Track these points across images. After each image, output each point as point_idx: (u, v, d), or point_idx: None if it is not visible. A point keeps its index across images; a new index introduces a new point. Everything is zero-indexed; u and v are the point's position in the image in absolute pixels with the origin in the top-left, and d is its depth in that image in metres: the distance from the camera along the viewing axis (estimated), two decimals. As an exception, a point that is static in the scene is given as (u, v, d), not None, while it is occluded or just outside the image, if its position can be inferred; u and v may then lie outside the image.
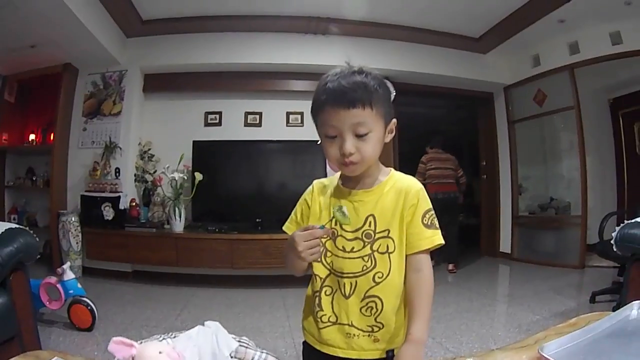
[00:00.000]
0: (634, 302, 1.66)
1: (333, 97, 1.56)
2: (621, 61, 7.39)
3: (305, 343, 1.85)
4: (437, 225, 1.73)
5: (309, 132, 7.47)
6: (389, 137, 1.71)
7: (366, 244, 1.70)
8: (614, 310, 4.49)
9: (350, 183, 1.76)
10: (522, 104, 9.01)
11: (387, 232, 1.69)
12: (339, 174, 1.83)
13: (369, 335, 1.72)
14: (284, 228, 1.90)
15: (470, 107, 10.53)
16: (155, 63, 7.62)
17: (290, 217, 1.93)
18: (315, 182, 1.93)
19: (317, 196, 1.85)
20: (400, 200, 1.70)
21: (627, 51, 7.15)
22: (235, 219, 7.33)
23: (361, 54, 7.58)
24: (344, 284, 1.72)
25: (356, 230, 1.71)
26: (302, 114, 7.98)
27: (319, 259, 1.73)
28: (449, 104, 11.22)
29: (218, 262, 6.83)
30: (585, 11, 6.87)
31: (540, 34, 7.78)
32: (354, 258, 1.71)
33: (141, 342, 1.06)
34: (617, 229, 3.92)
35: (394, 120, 1.72)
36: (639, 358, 1.31)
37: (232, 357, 1.25)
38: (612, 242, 3.95)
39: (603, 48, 7.39)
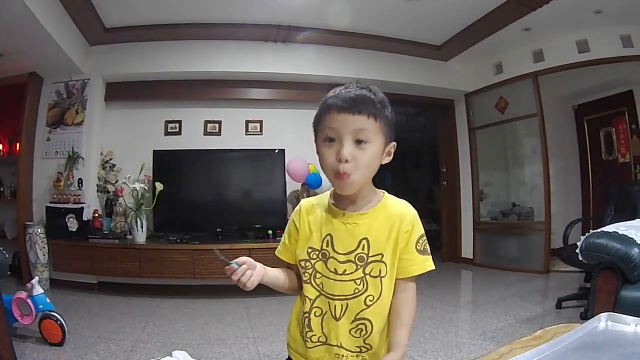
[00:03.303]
0: (602, 314, 1.64)
1: (340, 102, 1.57)
2: (588, 69, 7.49)
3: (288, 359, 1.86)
4: (429, 251, 1.76)
5: (268, 140, 7.60)
6: (386, 160, 1.71)
7: (359, 267, 1.70)
8: (581, 317, 4.56)
9: (343, 204, 1.75)
10: (484, 111, 9.08)
11: (380, 256, 1.70)
12: (328, 193, 1.83)
13: (357, 356, 1.74)
14: (276, 253, 1.92)
15: (431, 114, 10.66)
16: (117, 72, 7.57)
17: (281, 242, 1.93)
18: (303, 201, 1.92)
19: (306, 216, 1.84)
20: (396, 226, 1.71)
21: (595, 59, 7.28)
22: (197, 228, 7.33)
23: (322, 62, 7.76)
24: (335, 306, 1.72)
25: (349, 253, 1.70)
26: (261, 122, 8.01)
27: (252, 286, 1.76)
28: (409, 111, 11.29)
29: (180, 272, 6.82)
30: (553, 20, 6.95)
31: (504, 42, 7.87)
32: (346, 281, 1.71)
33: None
34: (583, 238, 3.93)
35: (394, 143, 1.72)
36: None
37: None
38: (577, 251, 3.96)
39: (569, 56, 7.50)
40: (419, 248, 1.72)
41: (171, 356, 1.23)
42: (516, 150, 8.93)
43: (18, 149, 7.34)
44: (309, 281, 1.77)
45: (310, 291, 1.76)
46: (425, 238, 1.76)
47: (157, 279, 6.96)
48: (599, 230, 3.89)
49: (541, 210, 8.14)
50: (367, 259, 1.69)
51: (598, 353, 1.43)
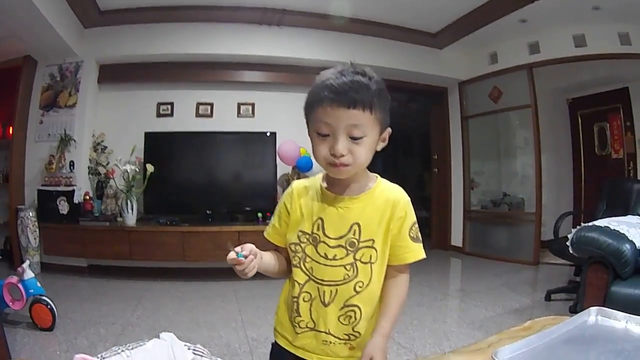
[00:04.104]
0: (591, 308, 1.65)
1: (334, 93, 1.47)
2: (584, 63, 7.50)
3: (275, 344, 1.83)
4: (421, 238, 1.74)
5: (259, 123, 7.59)
6: (380, 146, 1.66)
7: (349, 252, 1.66)
8: (570, 310, 4.56)
9: (336, 187, 1.70)
10: (477, 100, 9.09)
11: (371, 242, 1.66)
12: (320, 175, 1.78)
13: (345, 343, 1.72)
14: (265, 235, 1.86)
15: (423, 100, 10.64)
16: (111, 54, 7.53)
17: (270, 223, 1.87)
18: (295, 183, 1.86)
19: (297, 199, 1.78)
20: (388, 211, 1.67)
21: (591, 54, 7.25)
22: (186, 210, 7.34)
23: (316, 46, 7.74)
24: (324, 291, 1.69)
25: (340, 238, 1.66)
26: (253, 105, 7.99)
27: (252, 274, 1.64)
28: (401, 97, 11.21)
29: (170, 254, 6.85)
30: (550, 13, 6.94)
31: (500, 32, 7.84)
32: (335, 266, 1.67)
33: (102, 357, 1.03)
34: (574, 231, 3.94)
35: (389, 129, 1.65)
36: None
37: None
38: (568, 243, 3.96)
39: (565, 49, 7.48)
40: (412, 235, 1.69)
41: (158, 338, 1.22)
42: (508, 140, 8.93)
43: (11, 132, 7.32)
44: (298, 265, 1.73)
45: (299, 275, 1.73)
46: (417, 225, 1.73)
47: (147, 261, 6.97)
48: (590, 224, 3.91)
49: (532, 201, 8.17)
50: (358, 244, 1.66)
51: (587, 347, 1.44)
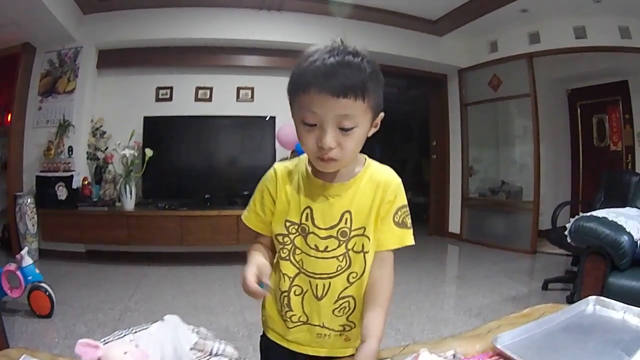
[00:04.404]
0: (589, 297, 1.64)
1: (322, 79, 1.31)
2: (584, 54, 7.51)
3: (265, 338, 1.76)
4: (409, 224, 1.63)
5: (259, 107, 7.57)
6: (372, 131, 1.51)
7: (341, 242, 1.56)
8: (567, 300, 4.59)
9: (323, 174, 1.54)
10: (476, 88, 9.10)
11: (363, 229, 1.56)
12: (304, 157, 1.63)
13: (340, 334, 1.66)
14: (243, 219, 1.72)
15: (423, 87, 10.60)
16: (110, 39, 7.51)
17: (249, 207, 1.72)
18: (278, 167, 1.69)
19: (282, 185, 1.64)
20: (378, 195, 1.57)
21: (591, 46, 7.25)
22: (185, 195, 7.35)
23: (315, 31, 7.66)
24: (316, 285, 1.60)
25: (331, 228, 1.56)
26: (252, 89, 7.97)
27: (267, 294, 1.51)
28: (401, 83, 11.21)
29: (168, 239, 6.87)
30: (551, 4, 6.99)
31: (500, 21, 7.82)
32: (328, 258, 1.58)
33: (104, 342, 1.04)
34: (572, 220, 3.95)
35: (382, 114, 1.50)
36: (598, 356, 1.29)
37: (192, 350, 1.23)
38: (566, 233, 3.97)
39: (565, 41, 7.48)
40: (396, 220, 1.58)
41: (162, 320, 1.22)
42: (507, 128, 8.96)
43: (9, 119, 7.30)
44: (287, 257, 1.62)
45: (288, 268, 1.63)
46: (406, 209, 1.63)
47: (145, 246, 7.01)
48: (588, 214, 3.92)
49: (530, 189, 8.19)
50: (350, 233, 1.56)
51: (586, 336, 1.44)
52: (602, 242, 3.64)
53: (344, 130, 1.36)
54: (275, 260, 1.70)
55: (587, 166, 9.05)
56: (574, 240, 3.91)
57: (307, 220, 1.58)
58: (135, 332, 1.13)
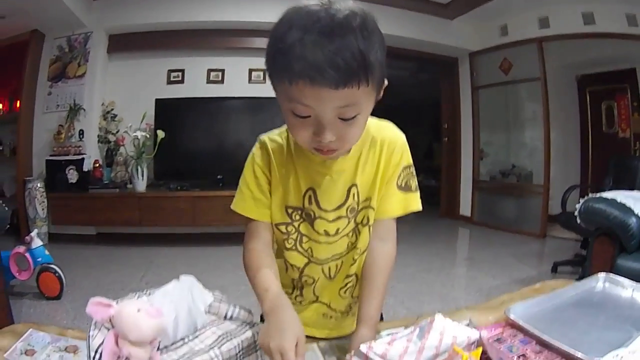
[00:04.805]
0: (599, 273, 1.64)
1: (313, 70, 1.03)
2: (593, 41, 7.46)
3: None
4: (414, 187, 1.47)
5: (271, 89, 7.53)
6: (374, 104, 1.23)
7: (350, 219, 1.43)
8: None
9: None
10: (487, 71, 9.07)
11: (368, 201, 1.42)
12: None
13: (346, 314, 1.61)
14: (238, 210, 1.48)
15: (433, 70, 10.55)
16: (120, 23, 7.51)
17: (240, 194, 1.48)
18: (267, 141, 1.47)
19: (276, 162, 1.43)
20: (383, 158, 1.40)
21: (598, 32, 7.21)
22: (197, 176, 7.34)
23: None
24: (329, 267, 1.50)
25: (338, 208, 1.41)
26: (264, 71, 7.82)
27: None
28: (411, 66, 11.16)
29: (180, 220, 6.90)
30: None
31: (510, 5, 7.82)
32: (339, 240, 1.45)
33: (117, 302, 1.05)
34: (582, 200, 3.95)
35: (386, 81, 1.23)
36: (607, 331, 1.30)
37: (206, 312, 1.24)
38: (575, 214, 3.98)
39: (574, 26, 7.44)
40: (399, 183, 1.43)
41: (178, 280, 1.23)
42: (518, 112, 8.93)
43: (18, 105, 7.32)
44: (294, 248, 1.48)
45: (296, 259, 1.49)
46: (411, 170, 1.47)
47: (157, 227, 7.06)
48: (597, 195, 3.91)
49: (540, 173, 8.20)
50: (358, 208, 1.43)
51: (596, 311, 1.45)
52: (611, 224, 3.64)
53: (344, 120, 1.14)
54: (277, 249, 1.56)
55: (596, 152, 9.00)
56: (583, 221, 3.92)
57: (310, 204, 1.41)
58: (150, 294, 1.14)
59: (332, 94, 1.05)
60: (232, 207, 1.48)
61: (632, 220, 3.59)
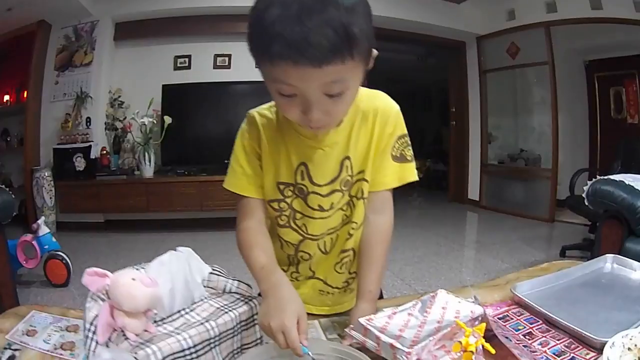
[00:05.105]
0: (607, 254, 1.63)
1: (293, 50, 0.98)
2: (601, 26, 7.38)
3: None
4: (410, 156, 1.44)
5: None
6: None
7: (345, 192, 1.41)
8: (586, 266, 4.50)
9: None
10: (495, 55, 9.03)
11: (362, 173, 1.40)
12: None
13: (344, 290, 1.60)
14: (230, 188, 1.45)
15: (441, 54, 10.54)
16: (126, 11, 7.50)
17: (232, 171, 1.45)
18: (256, 115, 1.46)
19: (265, 136, 1.41)
20: (377, 128, 1.38)
21: (606, 17, 7.13)
22: (204, 161, 7.31)
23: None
24: (324, 242, 1.48)
25: (332, 182, 1.39)
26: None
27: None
28: (419, 51, 11.16)
29: (188, 205, 6.95)
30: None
31: (518, -11, 7.71)
32: (333, 215, 1.44)
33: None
34: (590, 183, 3.93)
35: (375, 52, 1.16)
36: (616, 311, 1.29)
37: (204, 286, 1.22)
38: (583, 195, 3.96)
39: (581, 11, 7.37)
40: (394, 153, 1.40)
41: (175, 250, 1.22)
42: (526, 96, 8.88)
43: (25, 96, 7.34)
44: (287, 224, 1.46)
45: (290, 235, 1.48)
46: (406, 140, 1.43)
47: (164, 213, 7.10)
48: (605, 177, 3.89)
49: (548, 158, 8.17)
50: (352, 180, 1.41)
51: (604, 292, 1.44)
52: (619, 206, 3.61)
53: (332, 96, 1.10)
54: (270, 225, 1.53)
55: (604, 137, 8.96)
56: (592, 204, 3.89)
57: (303, 179, 1.39)
58: (143, 267, 1.14)
59: (316, 72, 1.01)
60: (224, 185, 1.46)
61: (641, 203, 3.57)
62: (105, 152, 7.23)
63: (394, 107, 1.41)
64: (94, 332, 0.98)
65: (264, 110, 1.45)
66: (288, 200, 1.42)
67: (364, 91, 1.35)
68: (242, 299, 1.20)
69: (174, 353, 0.96)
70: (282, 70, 1.03)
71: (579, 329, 1.14)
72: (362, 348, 1.11)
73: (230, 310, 1.11)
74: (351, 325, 1.17)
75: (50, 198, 6.96)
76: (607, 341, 1.02)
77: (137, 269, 1.12)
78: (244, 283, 1.24)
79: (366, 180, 1.40)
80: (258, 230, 1.41)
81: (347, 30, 0.99)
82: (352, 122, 1.36)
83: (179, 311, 1.11)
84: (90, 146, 7.08)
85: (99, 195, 6.98)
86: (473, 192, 9.59)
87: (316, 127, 1.18)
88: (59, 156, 7.11)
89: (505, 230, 7.39)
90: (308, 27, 0.96)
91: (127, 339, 0.97)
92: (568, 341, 1.17)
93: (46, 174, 6.92)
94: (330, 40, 0.97)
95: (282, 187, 1.41)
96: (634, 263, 1.56)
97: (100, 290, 1.02)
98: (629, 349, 1.01)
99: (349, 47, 1.01)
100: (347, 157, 1.37)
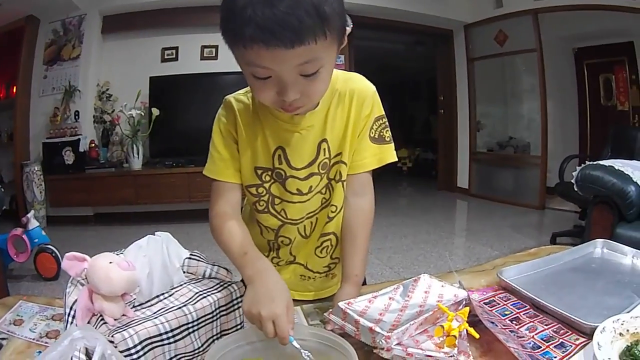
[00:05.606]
0: (597, 239, 1.63)
1: (266, 32, 0.98)
2: (589, 13, 7.38)
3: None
4: (388, 137, 1.44)
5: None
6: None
7: (323, 175, 1.41)
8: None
9: None
10: (482, 43, 9.04)
11: (340, 155, 1.40)
12: None
13: (326, 275, 1.60)
14: (209, 175, 1.45)
15: (429, 43, 10.55)
16: (113, 4, 7.48)
17: (211, 157, 1.46)
18: (232, 100, 1.43)
19: (242, 121, 1.39)
20: (353, 110, 1.37)
21: (595, 4, 7.11)
22: (192, 152, 7.22)
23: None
24: (304, 226, 1.48)
25: (309, 165, 1.38)
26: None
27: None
28: (407, 39, 11.14)
29: (176, 196, 6.97)
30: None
31: (505, -24, 7.70)
32: (311, 198, 1.43)
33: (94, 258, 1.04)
34: (579, 168, 3.93)
35: (348, 28, 1.18)
36: (606, 296, 1.29)
37: (184, 271, 1.21)
38: (573, 181, 3.96)
39: (569, -2, 7.35)
40: (372, 135, 1.40)
41: (153, 235, 1.21)
42: (514, 84, 8.91)
43: (14, 91, 7.34)
44: (266, 210, 1.46)
45: (270, 220, 1.48)
46: (384, 120, 1.43)
47: (153, 205, 7.12)
48: (594, 163, 3.89)
49: (538, 145, 8.19)
50: (330, 163, 1.41)
51: (594, 276, 1.44)
52: (609, 191, 3.62)
53: (307, 76, 1.09)
54: (248, 212, 1.57)
55: (594, 124, 8.97)
56: (581, 190, 3.90)
57: (280, 163, 1.39)
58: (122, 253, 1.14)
59: (289, 53, 1.00)
60: (204, 172, 1.45)
61: (631, 188, 3.56)
62: (94, 145, 7.24)
63: (371, 88, 1.40)
64: (73, 317, 0.99)
65: (240, 96, 1.43)
66: (266, 185, 1.42)
67: (340, 73, 1.37)
68: (222, 284, 1.20)
69: (151, 337, 0.96)
70: (255, 54, 1.02)
71: (568, 314, 1.13)
72: (343, 334, 1.10)
73: (208, 295, 1.11)
74: (331, 310, 1.16)
75: (40, 192, 6.94)
76: (597, 326, 1.02)
77: (116, 254, 1.11)
78: (223, 268, 1.24)
79: (344, 163, 1.40)
80: (232, 214, 1.39)
81: (318, 9, 0.99)
82: (328, 105, 1.36)
83: (157, 296, 1.11)
84: (79, 140, 7.08)
85: (88, 188, 6.99)
86: (462, 180, 9.61)
87: (294, 108, 1.17)
88: (48, 150, 7.11)
89: (495, 218, 7.41)
90: (279, 9, 0.96)
91: (105, 323, 0.96)
92: (557, 326, 1.16)
93: (36, 169, 6.90)
94: (301, 20, 0.97)
95: (260, 172, 1.40)
96: (625, 248, 1.57)
97: (79, 274, 1.02)
98: (620, 334, 1.00)
99: (321, 26, 1.01)
100: (324, 140, 1.37)
